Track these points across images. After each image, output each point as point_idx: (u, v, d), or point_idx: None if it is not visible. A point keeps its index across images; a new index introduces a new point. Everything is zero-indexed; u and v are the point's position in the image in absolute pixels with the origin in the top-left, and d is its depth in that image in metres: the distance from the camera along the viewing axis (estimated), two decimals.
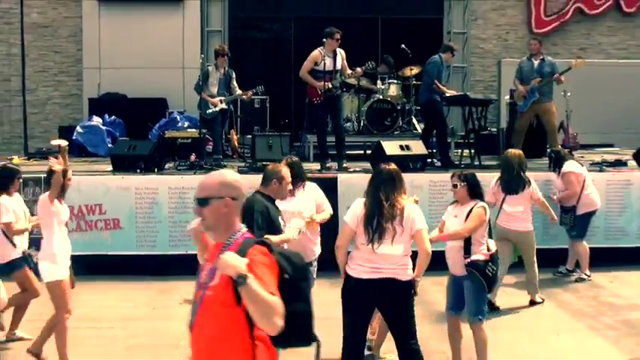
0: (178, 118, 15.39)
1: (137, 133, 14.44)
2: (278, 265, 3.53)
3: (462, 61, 17.79)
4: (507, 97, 14.65)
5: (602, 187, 10.79)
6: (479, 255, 6.63)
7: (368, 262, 5.81)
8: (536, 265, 9.23)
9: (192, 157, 12.33)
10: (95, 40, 17.37)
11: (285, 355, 3.88)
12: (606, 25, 19.08)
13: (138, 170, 11.21)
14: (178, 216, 10.69)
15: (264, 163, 11.91)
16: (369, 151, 12.60)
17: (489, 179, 9.73)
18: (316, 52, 11.61)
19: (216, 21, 18.09)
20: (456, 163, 12.52)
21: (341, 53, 11.71)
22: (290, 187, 6.75)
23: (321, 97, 11.61)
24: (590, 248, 10.52)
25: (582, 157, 13.13)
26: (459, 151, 13.34)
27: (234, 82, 12.54)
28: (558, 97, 12.92)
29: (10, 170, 8.14)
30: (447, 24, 18.69)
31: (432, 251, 5.86)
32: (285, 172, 6.63)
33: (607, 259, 10.82)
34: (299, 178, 7.16)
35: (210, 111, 12.30)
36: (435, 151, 12.81)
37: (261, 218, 6.20)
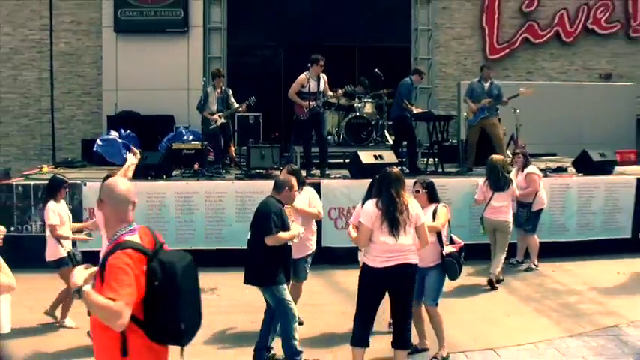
0: (184, 132, 15.34)
1: (148, 145, 14.37)
2: (149, 272, 3.47)
3: (427, 83, 17.79)
4: (466, 113, 14.68)
5: (546, 190, 10.80)
6: (450, 247, 6.71)
7: (385, 252, 5.84)
8: (505, 250, 9.58)
9: (196, 166, 12.30)
10: (113, 66, 17.34)
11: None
12: (549, 52, 19.21)
13: (149, 177, 11.14)
14: (184, 216, 10.70)
15: (258, 170, 11.95)
16: (347, 161, 12.56)
17: (454, 184, 9.77)
18: (303, 76, 11.61)
19: (216, 49, 18.05)
20: (423, 170, 12.50)
21: (324, 77, 11.72)
22: (297, 194, 6.89)
23: (306, 114, 11.63)
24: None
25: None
26: (425, 160, 13.33)
27: (232, 98, 12.45)
28: (509, 113, 12.97)
29: (59, 180, 8.09)
30: (414, 51, 18.72)
31: None
32: (294, 182, 6.76)
33: (550, 251, 10.86)
34: (299, 183, 7.26)
35: (212, 127, 12.25)
36: (404, 160, 12.79)
37: (276, 218, 6.31)
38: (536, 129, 14.58)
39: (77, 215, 9.99)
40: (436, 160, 12.95)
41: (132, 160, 7.46)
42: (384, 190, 5.92)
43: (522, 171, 10.57)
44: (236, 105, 12.40)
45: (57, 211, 7.70)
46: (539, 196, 10.51)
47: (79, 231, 8.06)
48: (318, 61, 11.51)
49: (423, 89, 17.58)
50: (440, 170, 12.53)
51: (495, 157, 9.84)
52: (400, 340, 6.06)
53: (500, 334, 7.52)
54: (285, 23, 18.44)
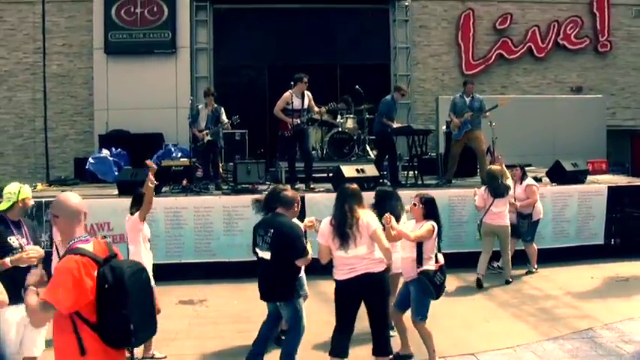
0: (172, 149, 15.32)
1: (138, 163, 14.20)
2: (100, 276, 3.56)
3: (406, 98, 17.83)
4: (444, 127, 14.71)
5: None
6: (430, 265, 6.55)
7: (344, 265, 5.88)
8: (509, 251, 10.11)
9: (184, 182, 12.20)
10: (104, 86, 17.34)
11: None
12: (522, 67, 19.38)
13: (139, 194, 11.03)
14: (173, 231, 10.62)
15: (244, 185, 11.89)
16: (330, 174, 12.55)
17: (433, 195, 9.77)
18: (287, 94, 11.60)
19: (203, 69, 18.12)
20: (403, 183, 12.50)
21: (308, 95, 11.72)
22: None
23: (291, 131, 11.61)
24: (516, 250, 10.74)
25: None
26: (405, 172, 13.34)
27: (223, 117, 12.38)
28: (485, 126, 13.01)
29: None
30: (393, 68, 18.84)
31: None
32: (299, 199, 6.69)
33: (527, 258, 10.86)
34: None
35: (199, 143, 12.23)
36: (385, 172, 12.78)
37: (304, 240, 6.26)
38: (511, 141, 14.63)
39: None
40: (416, 172, 12.96)
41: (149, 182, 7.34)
42: (339, 205, 5.98)
43: (520, 183, 10.75)
44: (223, 123, 12.35)
45: None
46: (537, 207, 10.80)
47: None
48: (302, 79, 11.52)
49: (402, 104, 17.42)
50: (420, 182, 12.53)
51: (494, 167, 10.30)
52: (379, 348, 6.02)
53: (479, 339, 7.49)
54: (269, 44, 18.51)
